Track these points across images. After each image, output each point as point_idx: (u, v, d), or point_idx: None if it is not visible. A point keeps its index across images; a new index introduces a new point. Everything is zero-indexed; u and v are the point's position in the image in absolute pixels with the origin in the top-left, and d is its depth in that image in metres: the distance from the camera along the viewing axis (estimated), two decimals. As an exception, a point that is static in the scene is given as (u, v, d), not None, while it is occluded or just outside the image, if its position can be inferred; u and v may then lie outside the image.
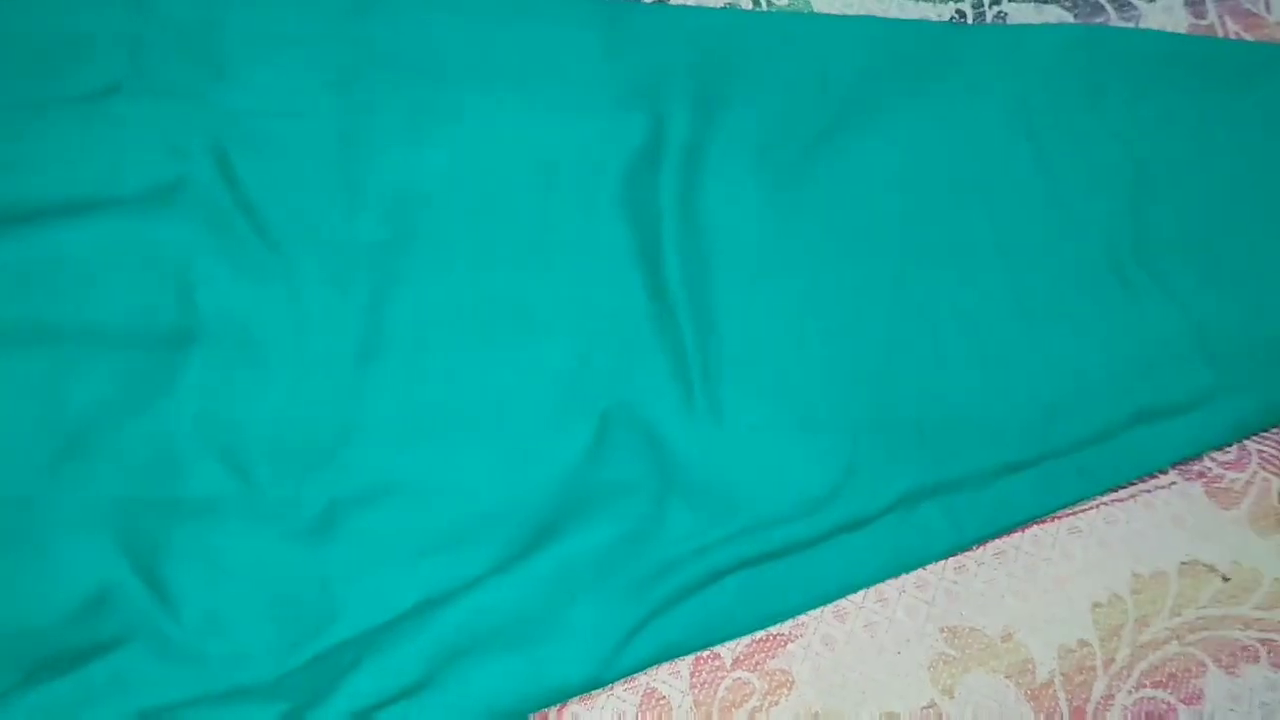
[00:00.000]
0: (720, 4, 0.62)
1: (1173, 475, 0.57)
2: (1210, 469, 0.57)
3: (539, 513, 0.51)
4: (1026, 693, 0.53)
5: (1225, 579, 0.56)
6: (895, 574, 0.53)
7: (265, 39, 0.55)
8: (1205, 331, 0.57)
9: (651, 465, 0.52)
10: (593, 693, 0.50)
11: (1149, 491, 0.57)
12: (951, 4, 0.64)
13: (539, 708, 0.49)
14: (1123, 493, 0.56)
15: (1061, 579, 0.55)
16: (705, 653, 0.52)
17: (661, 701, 0.51)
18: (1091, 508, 0.56)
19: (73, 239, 0.51)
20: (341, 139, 0.55)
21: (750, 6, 0.62)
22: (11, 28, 0.53)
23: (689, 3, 0.61)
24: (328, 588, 0.48)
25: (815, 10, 0.62)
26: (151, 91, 0.53)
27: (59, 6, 0.54)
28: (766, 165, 0.57)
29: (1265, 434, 0.58)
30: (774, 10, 0.61)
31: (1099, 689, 0.53)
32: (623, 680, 0.50)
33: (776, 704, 0.52)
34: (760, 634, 0.52)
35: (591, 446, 0.52)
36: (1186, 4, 0.66)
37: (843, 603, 0.53)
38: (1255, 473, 0.58)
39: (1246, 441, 0.58)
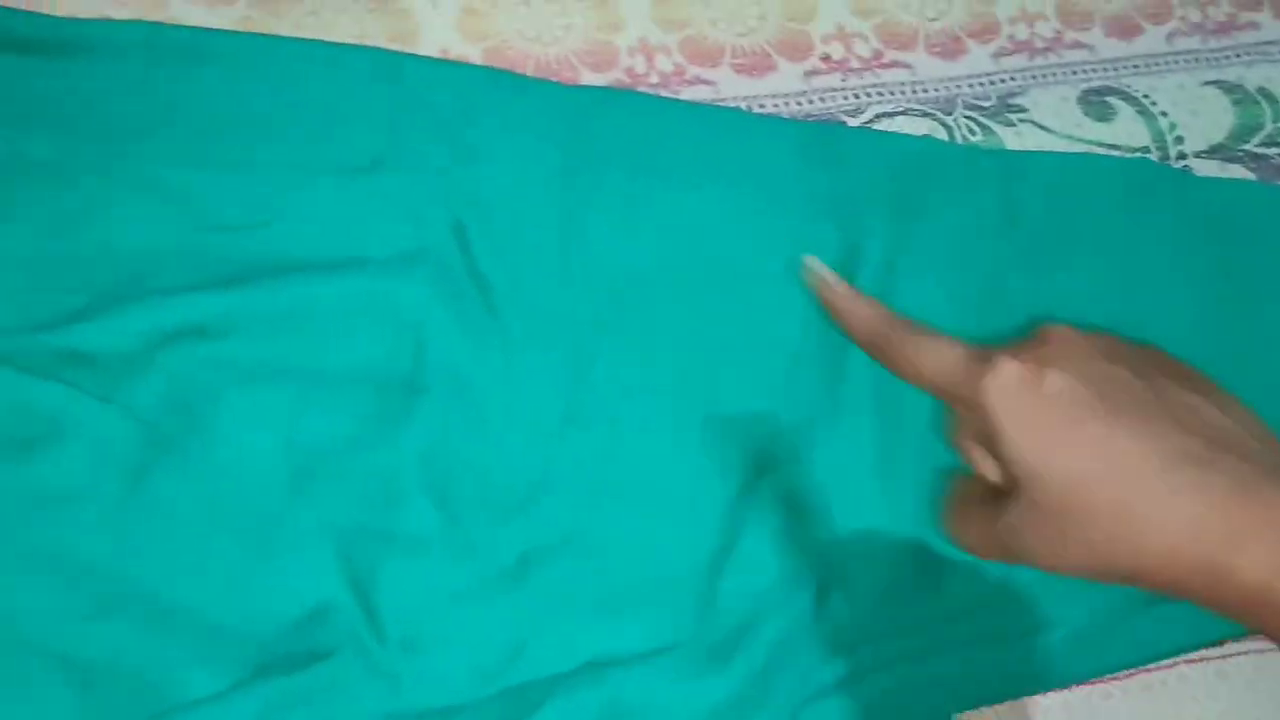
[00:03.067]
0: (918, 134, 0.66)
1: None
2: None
3: (704, 587, 0.55)
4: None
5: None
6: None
7: (509, 129, 0.61)
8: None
9: (819, 552, 0.55)
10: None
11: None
12: (1138, 155, 0.67)
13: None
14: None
15: None
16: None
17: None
18: (1241, 653, 0.57)
19: (323, 292, 0.57)
20: (563, 221, 0.60)
21: (946, 138, 0.66)
22: (290, 101, 0.61)
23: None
24: (515, 630, 0.52)
25: (1007, 146, 0.66)
26: (404, 167, 0.60)
27: (332, 85, 0.62)
28: (958, 287, 0.61)
29: None
30: (968, 144, 0.66)
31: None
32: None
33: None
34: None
35: (765, 531, 0.56)
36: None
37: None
38: None
39: None
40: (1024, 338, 0.37)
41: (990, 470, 0.36)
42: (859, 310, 0.39)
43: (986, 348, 0.36)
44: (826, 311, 0.40)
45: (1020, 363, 0.35)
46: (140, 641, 0.49)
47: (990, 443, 0.35)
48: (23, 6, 0.62)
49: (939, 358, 0.37)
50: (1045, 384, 0.34)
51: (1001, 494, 0.36)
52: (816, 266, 0.40)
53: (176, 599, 0.50)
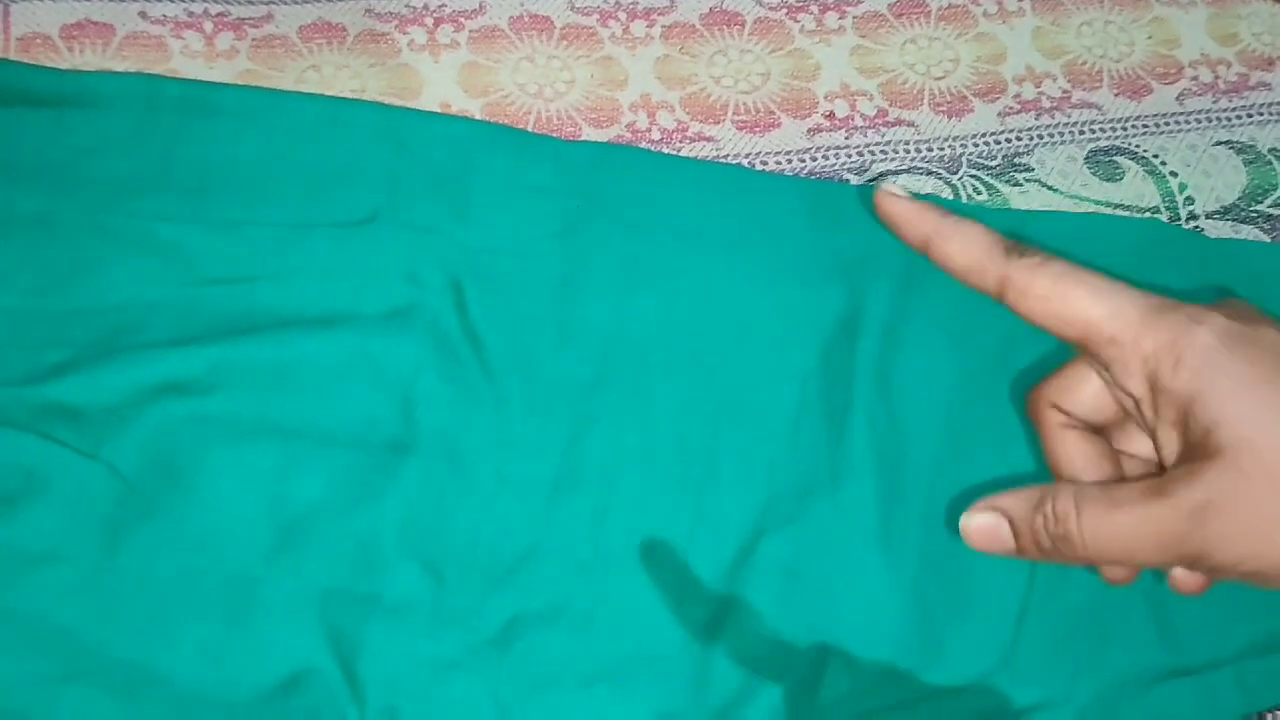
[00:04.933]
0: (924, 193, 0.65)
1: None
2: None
3: (697, 657, 0.53)
4: None
5: None
6: None
7: (507, 186, 0.61)
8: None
9: (818, 621, 0.54)
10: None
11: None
12: (1147, 216, 0.66)
13: None
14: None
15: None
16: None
17: None
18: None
19: (313, 349, 0.56)
20: (560, 282, 0.60)
21: (951, 198, 0.65)
22: (288, 157, 0.60)
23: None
24: (500, 701, 0.51)
25: (1012, 206, 0.65)
26: (401, 223, 0.59)
27: (330, 141, 0.61)
28: (967, 346, 0.59)
29: None
30: (973, 204, 0.65)
31: None
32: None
33: None
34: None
35: (761, 599, 0.54)
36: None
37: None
38: None
39: None
40: (1199, 305, 0.33)
41: (1135, 446, 0.32)
42: (968, 233, 0.35)
43: (1162, 298, 0.32)
44: (916, 243, 0.35)
45: (1226, 316, 0.30)
46: (111, 709, 0.47)
47: (1175, 406, 0.30)
48: (25, 59, 0.62)
49: (1110, 303, 0.32)
50: (1261, 337, 0.30)
51: (1150, 480, 0.30)
52: (894, 190, 0.37)
53: (151, 665, 0.48)
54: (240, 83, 0.63)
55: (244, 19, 0.66)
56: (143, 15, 0.65)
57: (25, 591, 0.49)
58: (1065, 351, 0.37)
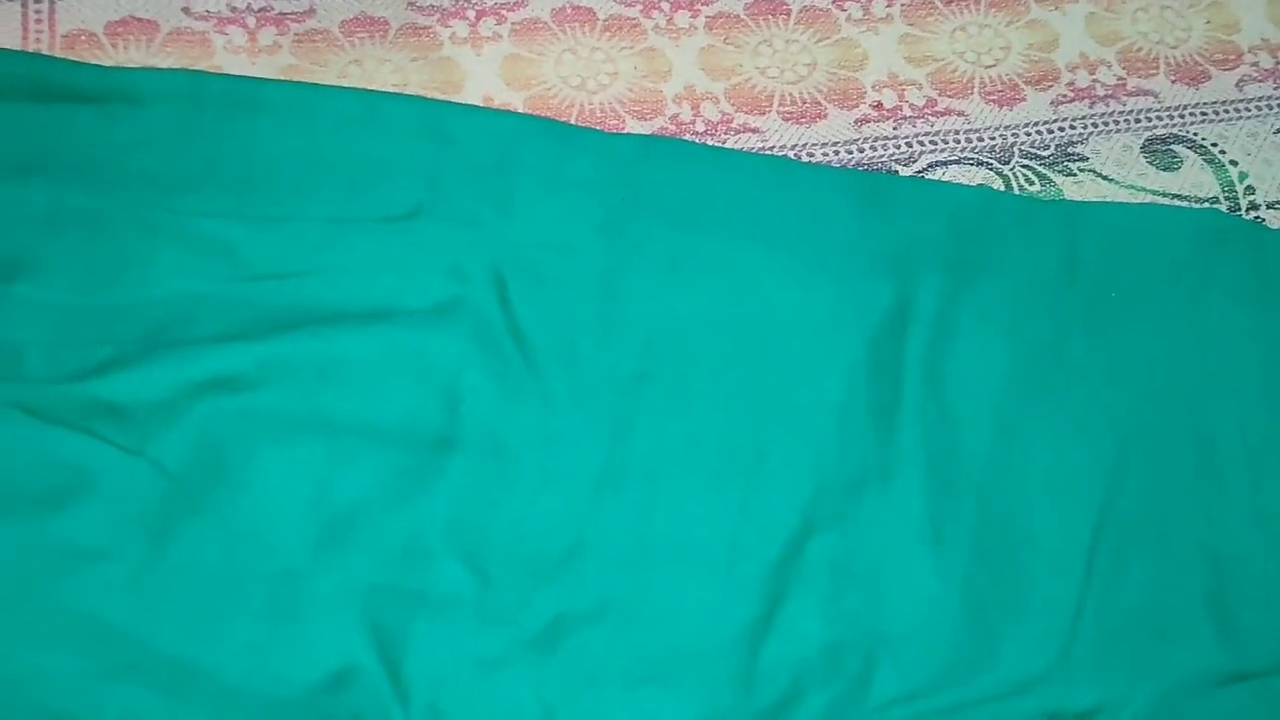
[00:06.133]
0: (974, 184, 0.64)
1: None
2: None
3: (744, 656, 0.52)
4: None
5: None
6: None
7: (550, 179, 0.60)
8: None
9: (867, 620, 0.53)
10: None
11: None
12: (1206, 206, 0.65)
13: None
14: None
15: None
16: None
17: None
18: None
19: (359, 344, 0.55)
20: (604, 276, 0.59)
21: (1002, 188, 0.64)
22: (331, 152, 0.60)
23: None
24: (545, 699, 0.50)
25: (1066, 197, 0.64)
26: (444, 217, 0.59)
27: (373, 136, 0.61)
28: (1020, 340, 0.58)
29: None
30: (1025, 195, 0.63)
31: None
32: None
33: None
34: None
35: (809, 597, 0.53)
36: None
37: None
38: None
39: None
40: None
41: None
42: None
43: None
44: None
45: None
46: (157, 705, 0.47)
47: None
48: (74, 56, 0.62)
49: None
50: None
51: None
52: None
53: (197, 661, 0.48)
54: (282, 78, 0.63)
55: (286, 14, 0.66)
56: (186, 11, 0.65)
57: (73, 588, 0.49)
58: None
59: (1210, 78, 0.69)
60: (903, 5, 0.70)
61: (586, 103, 0.65)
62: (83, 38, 0.63)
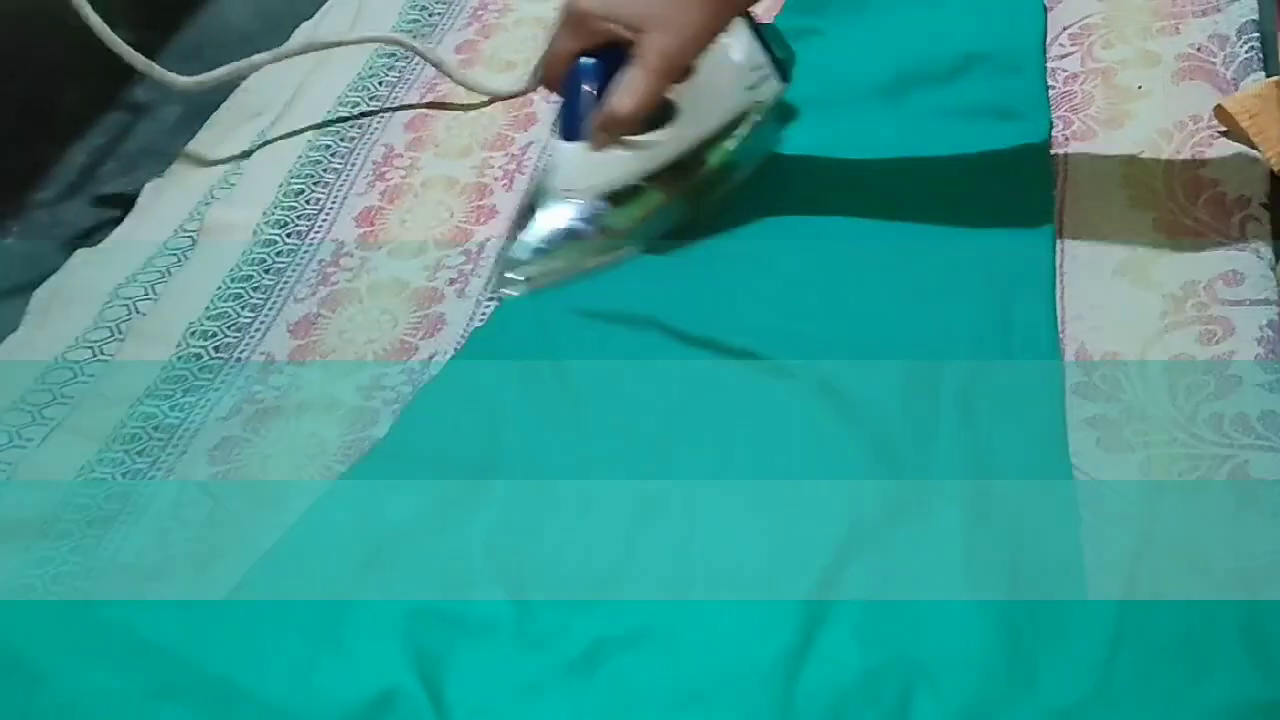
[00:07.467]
0: None
1: None
2: None
3: (782, 684, 0.52)
4: None
5: None
6: None
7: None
8: None
9: (905, 649, 0.53)
10: None
11: None
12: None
13: None
14: None
15: None
16: None
17: None
18: None
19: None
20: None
21: None
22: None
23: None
24: (583, 722, 0.51)
25: None
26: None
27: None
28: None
29: None
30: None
31: None
32: None
33: None
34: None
35: (847, 625, 0.53)
36: None
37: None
38: None
39: None
40: None
41: None
42: None
43: None
44: None
45: None
46: (202, 727, 0.48)
47: None
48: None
49: None
50: None
51: None
52: None
53: (242, 682, 0.49)
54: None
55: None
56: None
57: (121, 608, 0.49)
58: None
59: None
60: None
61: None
62: None
